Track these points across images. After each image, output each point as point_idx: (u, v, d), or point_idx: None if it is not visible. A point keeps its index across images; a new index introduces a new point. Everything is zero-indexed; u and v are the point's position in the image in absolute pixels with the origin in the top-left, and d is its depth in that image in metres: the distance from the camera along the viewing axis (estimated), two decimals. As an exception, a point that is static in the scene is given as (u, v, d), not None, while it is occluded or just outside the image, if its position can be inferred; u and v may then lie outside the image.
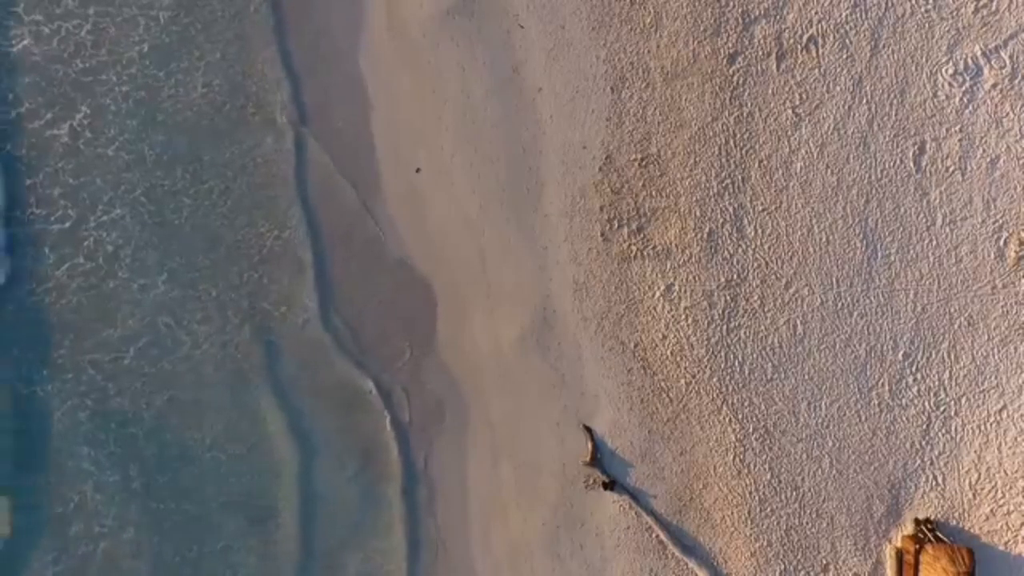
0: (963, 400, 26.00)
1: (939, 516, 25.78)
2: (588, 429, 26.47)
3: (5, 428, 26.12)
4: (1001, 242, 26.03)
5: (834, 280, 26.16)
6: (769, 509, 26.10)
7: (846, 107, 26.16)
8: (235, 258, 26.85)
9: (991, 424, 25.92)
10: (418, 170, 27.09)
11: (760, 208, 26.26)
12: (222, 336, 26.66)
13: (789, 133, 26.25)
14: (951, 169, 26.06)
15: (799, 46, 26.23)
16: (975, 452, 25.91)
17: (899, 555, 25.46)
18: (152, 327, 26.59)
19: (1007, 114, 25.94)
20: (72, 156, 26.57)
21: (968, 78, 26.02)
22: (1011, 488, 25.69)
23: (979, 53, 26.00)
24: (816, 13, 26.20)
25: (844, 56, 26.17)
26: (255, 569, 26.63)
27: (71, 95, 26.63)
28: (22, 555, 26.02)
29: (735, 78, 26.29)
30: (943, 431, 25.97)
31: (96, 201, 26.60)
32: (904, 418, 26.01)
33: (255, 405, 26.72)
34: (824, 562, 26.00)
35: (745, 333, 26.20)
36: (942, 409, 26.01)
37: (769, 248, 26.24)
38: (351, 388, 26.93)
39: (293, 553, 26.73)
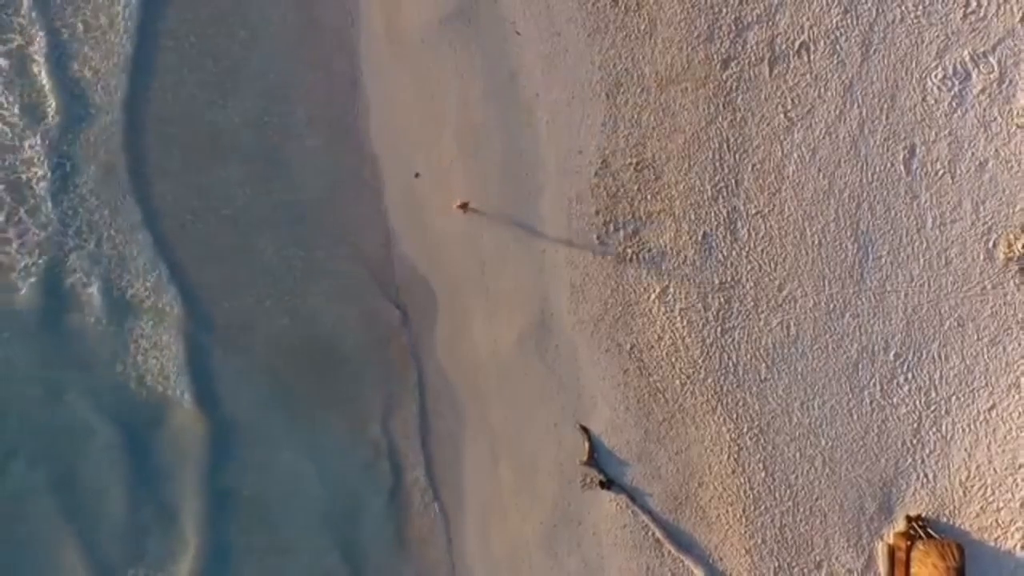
0: (953, 399, 26.25)
1: (930, 513, 26.01)
2: (585, 429, 26.68)
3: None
4: (990, 244, 26.25)
5: (826, 282, 26.41)
6: (763, 507, 26.36)
7: (837, 112, 26.40)
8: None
9: (981, 423, 26.15)
10: (417, 175, 27.33)
11: (754, 211, 26.52)
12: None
13: (782, 137, 26.50)
14: (941, 172, 26.31)
15: (791, 52, 26.44)
16: (965, 450, 26.15)
17: (891, 552, 25.71)
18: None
19: (995, 118, 26.16)
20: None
21: (957, 83, 26.23)
22: (1001, 485, 25.95)
23: (968, 58, 26.22)
24: (808, 19, 26.43)
25: (835, 61, 26.41)
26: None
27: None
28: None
29: (728, 83, 26.53)
30: (934, 430, 26.23)
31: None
32: (895, 417, 26.27)
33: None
34: (817, 559, 26.27)
35: (739, 334, 26.45)
36: (933, 408, 26.27)
37: (762, 251, 26.50)
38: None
39: (289, 554, 26.97)
